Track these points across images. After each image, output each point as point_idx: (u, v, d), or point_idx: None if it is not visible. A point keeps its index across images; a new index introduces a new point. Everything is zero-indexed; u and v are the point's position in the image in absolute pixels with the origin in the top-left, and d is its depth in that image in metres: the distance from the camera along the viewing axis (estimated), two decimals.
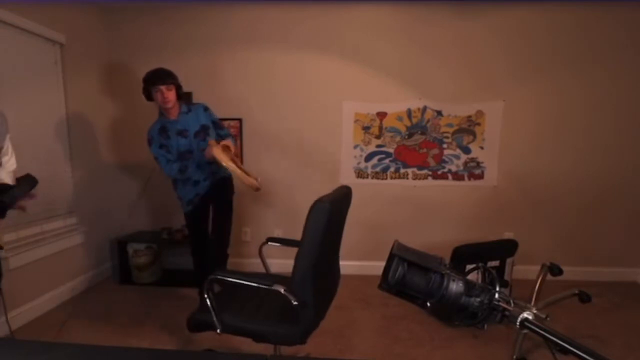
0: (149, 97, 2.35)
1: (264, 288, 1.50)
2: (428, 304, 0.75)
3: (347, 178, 3.25)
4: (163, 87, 2.29)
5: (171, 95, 2.32)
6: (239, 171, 2.28)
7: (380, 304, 2.72)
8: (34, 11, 2.47)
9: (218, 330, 1.48)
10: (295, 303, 1.40)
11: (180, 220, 3.22)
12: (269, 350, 1.77)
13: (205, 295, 1.49)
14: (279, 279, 1.51)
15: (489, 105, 3.12)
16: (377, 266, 0.91)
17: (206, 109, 2.51)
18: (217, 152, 2.23)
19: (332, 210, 1.41)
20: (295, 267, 1.45)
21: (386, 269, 0.74)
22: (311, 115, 3.22)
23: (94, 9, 3.08)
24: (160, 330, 2.39)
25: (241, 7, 3.10)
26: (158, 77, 2.29)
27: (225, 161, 2.23)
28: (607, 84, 3.01)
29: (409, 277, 0.73)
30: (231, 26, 3.13)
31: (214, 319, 1.49)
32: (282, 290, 1.40)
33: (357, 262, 3.21)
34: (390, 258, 0.74)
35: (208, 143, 2.33)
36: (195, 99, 3.25)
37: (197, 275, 2.58)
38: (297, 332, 1.49)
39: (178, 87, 2.37)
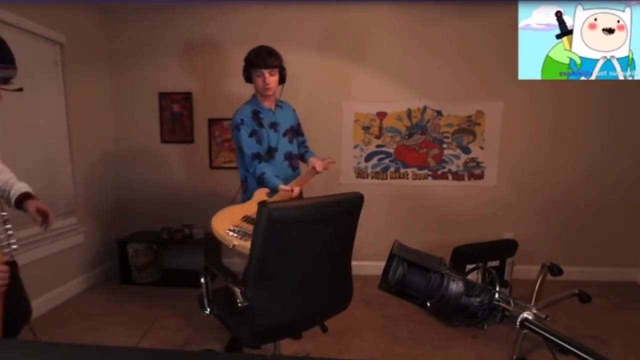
0: (249, 79, 2.09)
1: None
2: (428, 304, 0.75)
3: (347, 178, 3.25)
4: (266, 72, 2.00)
5: (274, 81, 2.05)
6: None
7: (380, 304, 2.72)
8: (34, 11, 2.47)
9: (206, 312, 1.56)
10: (239, 305, 1.37)
11: (181, 220, 3.23)
12: (269, 351, 1.78)
13: (202, 280, 1.56)
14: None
15: (489, 105, 3.12)
16: (377, 266, 0.91)
17: (294, 109, 2.31)
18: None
19: (281, 217, 1.34)
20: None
21: (386, 269, 0.74)
22: (311, 115, 3.21)
23: (94, 9, 3.08)
24: (160, 330, 2.39)
25: (242, 8, 3.10)
26: (261, 60, 2.00)
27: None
28: (607, 84, 3.01)
29: (409, 277, 0.73)
30: (232, 26, 3.13)
31: (205, 301, 1.57)
32: (237, 291, 1.38)
33: (357, 262, 3.19)
34: (390, 258, 0.74)
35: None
36: (195, 99, 3.26)
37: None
38: (246, 333, 1.47)
39: (282, 70, 2.08)
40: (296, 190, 1.97)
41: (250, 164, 2.04)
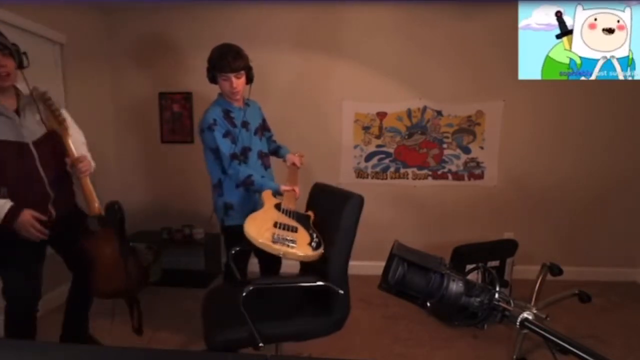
0: (214, 80, 2.02)
1: (276, 290, 1.68)
2: (428, 304, 0.75)
3: (347, 178, 3.25)
4: (232, 76, 1.93)
5: (241, 83, 1.97)
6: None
7: (380, 304, 2.72)
8: (34, 11, 2.47)
9: (260, 345, 1.37)
10: (341, 292, 1.48)
11: (181, 220, 3.23)
12: (269, 350, 1.77)
13: (243, 310, 1.38)
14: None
15: (489, 105, 3.12)
16: (377, 266, 0.91)
17: (260, 107, 2.25)
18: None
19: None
20: (332, 261, 1.53)
21: (386, 269, 0.74)
22: (311, 115, 3.22)
23: (94, 9, 3.08)
24: (161, 330, 2.39)
25: (242, 8, 3.10)
26: (226, 63, 1.92)
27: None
28: (607, 84, 3.01)
29: (409, 277, 0.73)
30: (231, 26, 3.13)
31: (254, 332, 1.39)
32: (328, 285, 1.48)
33: (357, 262, 3.19)
34: (390, 258, 0.74)
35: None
36: (195, 99, 3.26)
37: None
38: (334, 321, 1.58)
39: (248, 71, 2.00)
40: (297, 190, 1.95)
41: (229, 165, 1.96)
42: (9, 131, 1.53)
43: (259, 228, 1.66)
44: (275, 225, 1.69)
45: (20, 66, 1.57)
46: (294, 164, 2.13)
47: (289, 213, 1.79)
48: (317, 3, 3.06)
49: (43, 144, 1.64)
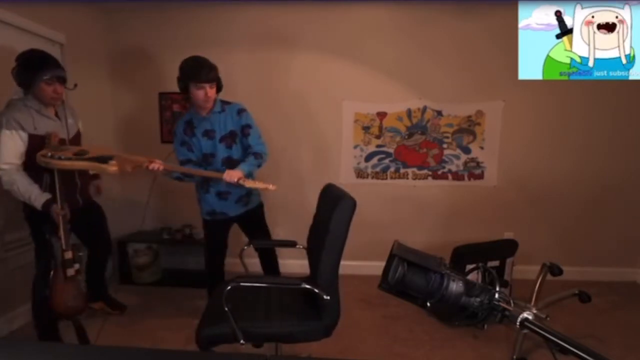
0: (185, 89, 2.10)
1: (268, 290, 1.63)
2: (428, 304, 0.75)
3: (347, 178, 3.25)
4: (207, 86, 2.05)
5: (213, 92, 2.10)
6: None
7: (380, 304, 2.72)
8: (34, 11, 2.47)
9: (241, 341, 1.39)
10: (326, 298, 1.41)
11: (181, 220, 3.23)
12: (269, 351, 1.78)
13: (226, 308, 1.40)
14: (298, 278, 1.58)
15: (489, 105, 3.12)
16: (377, 266, 0.91)
17: (241, 111, 2.22)
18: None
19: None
20: (323, 263, 1.48)
21: (386, 269, 0.74)
22: (311, 115, 3.22)
23: (94, 9, 3.08)
24: (161, 330, 2.39)
25: (242, 8, 3.10)
26: (204, 75, 2.03)
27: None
28: (607, 84, 3.01)
29: (409, 277, 0.73)
30: (232, 27, 3.13)
31: (236, 329, 1.39)
32: (315, 289, 1.42)
33: (357, 262, 3.21)
34: (390, 258, 0.74)
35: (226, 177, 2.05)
36: None
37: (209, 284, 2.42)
38: (322, 327, 1.53)
39: (219, 81, 2.15)
40: (155, 166, 2.04)
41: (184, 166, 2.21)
42: (59, 130, 2.01)
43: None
44: (77, 152, 1.96)
45: (66, 87, 2.04)
46: (224, 175, 2.04)
47: (97, 154, 2.01)
48: (317, 3, 3.06)
49: (74, 141, 2.09)
